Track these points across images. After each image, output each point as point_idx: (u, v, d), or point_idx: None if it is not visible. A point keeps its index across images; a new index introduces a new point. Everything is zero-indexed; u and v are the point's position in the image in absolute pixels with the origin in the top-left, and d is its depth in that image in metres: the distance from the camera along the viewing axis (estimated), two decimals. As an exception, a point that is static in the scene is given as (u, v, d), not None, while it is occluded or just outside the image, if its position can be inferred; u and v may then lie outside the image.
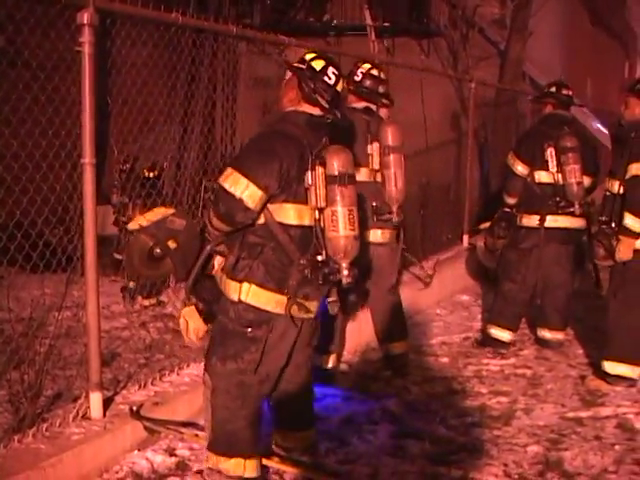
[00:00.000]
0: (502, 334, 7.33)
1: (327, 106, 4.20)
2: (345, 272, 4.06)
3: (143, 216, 4.41)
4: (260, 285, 4.10)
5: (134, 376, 5.55)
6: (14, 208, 4.93)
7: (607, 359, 6.34)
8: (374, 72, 6.32)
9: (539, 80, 15.86)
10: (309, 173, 4.04)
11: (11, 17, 4.72)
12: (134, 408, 4.93)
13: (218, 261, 4.36)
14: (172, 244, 4.27)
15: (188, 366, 5.73)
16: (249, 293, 4.10)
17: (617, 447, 5.22)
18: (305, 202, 4.08)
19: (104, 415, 4.77)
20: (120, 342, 6.70)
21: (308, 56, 4.30)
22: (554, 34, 16.24)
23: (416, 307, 8.35)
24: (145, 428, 4.87)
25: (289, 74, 4.32)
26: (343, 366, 6.70)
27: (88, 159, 4.50)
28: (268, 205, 4.08)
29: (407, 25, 16.55)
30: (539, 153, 7.10)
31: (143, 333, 7.01)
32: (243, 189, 3.99)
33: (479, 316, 8.64)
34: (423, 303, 8.65)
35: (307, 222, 4.12)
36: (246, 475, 4.30)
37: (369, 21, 7.75)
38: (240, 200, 4.00)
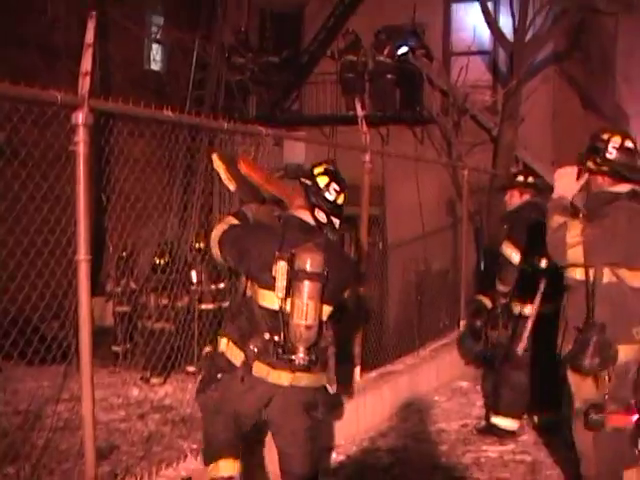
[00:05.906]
0: (511, 424, 7.31)
1: (324, 220, 4.76)
2: (301, 355, 4.53)
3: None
4: (235, 342, 4.71)
5: (131, 469, 5.50)
6: (8, 305, 4.98)
7: None
8: (629, 144, 5.19)
9: (532, 164, 16.05)
10: (274, 266, 4.53)
11: (9, 117, 4.83)
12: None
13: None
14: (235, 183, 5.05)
15: (185, 458, 5.68)
16: (228, 346, 4.74)
17: (618, 535, 5.17)
18: (273, 289, 4.57)
19: (99, 510, 4.72)
20: (118, 434, 6.69)
21: (316, 170, 4.84)
22: (545, 119, 16.45)
23: (415, 393, 8.35)
24: None
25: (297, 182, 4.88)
26: (341, 457, 6.65)
27: (83, 256, 4.54)
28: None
29: (400, 113, 16.87)
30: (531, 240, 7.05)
31: (141, 425, 6.99)
32: (220, 228, 4.85)
33: (478, 402, 8.60)
34: (422, 389, 8.64)
35: (276, 306, 4.59)
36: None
37: (359, 112, 7.87)
38: (215, 233, 4.86)
